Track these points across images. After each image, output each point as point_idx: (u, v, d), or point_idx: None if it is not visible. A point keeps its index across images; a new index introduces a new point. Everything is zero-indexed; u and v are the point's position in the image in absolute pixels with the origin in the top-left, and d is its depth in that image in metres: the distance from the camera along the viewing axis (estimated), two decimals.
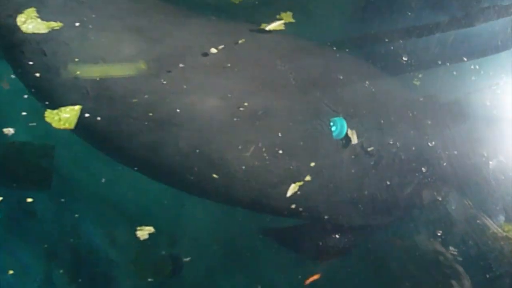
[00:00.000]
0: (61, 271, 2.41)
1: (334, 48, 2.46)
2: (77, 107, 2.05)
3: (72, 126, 2.03)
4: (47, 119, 2.04)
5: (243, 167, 2.09)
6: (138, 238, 2.39)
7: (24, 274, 2.28)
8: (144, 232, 2.27)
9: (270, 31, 2.42)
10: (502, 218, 2.48)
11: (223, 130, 2.09)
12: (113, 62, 2.13)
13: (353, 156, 2.20)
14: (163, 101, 2.08)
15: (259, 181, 2.13)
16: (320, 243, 2.40)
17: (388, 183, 2.28)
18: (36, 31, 2.17)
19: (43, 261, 2.39)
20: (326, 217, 2.38)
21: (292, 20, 2.54)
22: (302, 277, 2.40)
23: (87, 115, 2.06)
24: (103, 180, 2.37)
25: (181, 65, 2.14)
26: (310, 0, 2.86)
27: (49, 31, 2.13)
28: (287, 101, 2.16)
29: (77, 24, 2.17)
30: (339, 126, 2.17)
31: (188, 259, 2.43)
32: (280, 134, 2.10)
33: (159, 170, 2.22)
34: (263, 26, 2.45)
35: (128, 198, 2.54)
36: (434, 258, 2.46)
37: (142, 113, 2.08)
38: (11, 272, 2.23)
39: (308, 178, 2.12)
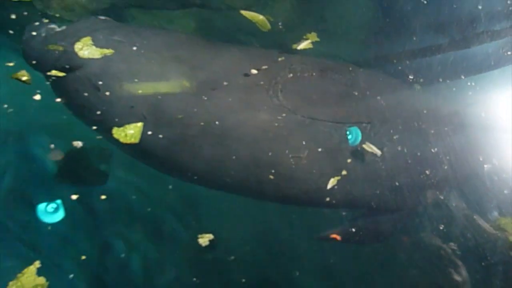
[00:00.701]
0: (115, 257, 2.60)
1: (350, 69, 2.58)
2: (140, 124, 2.20)
3: (137, 140, 2.18)
4: (115, 136, 2.19)
5: (298, 169, 2.25)
6: (193, 240, 2.57)
7: (88, 260, 2.48)
8: (205, 239, 2.38)
9: (298, 53, 2.61)
10: (496, 213, 2.61)
11: (278, 140, 2.24)
12: (163, 90, 2.26)
13: (366, 160, 2.35)
14: (218, 120, 2.22)
15: (309, 179, 2.29)
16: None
17: (397, 183, 2.41)
18: (91, 56, 2.32)
19: (100, 249, 2.58)
20: (344, 213, 2.58)
21: (317, 39, 2.73)
22: (334, 261, 2.58)
23: (149, 132, 2.19)
24: (170, 187, 2.52)
25: (226, 87, 2.29)
26: (329, 23, 3.02)
27: (101, 68, 2.24)
28: (323, 111, 2.34)
29: (123, 59, 2.30)
30: (354, 135, 2.34)
31: (232, 257, 2.56)
32: (322, 138, 2.28)
33: (221, 181, 2.32)
34: (294, 46, 2.66)
35: (170, 197, 2.73)
36: (437, 251, 2.56)
37: (200, 132, 2.21)
38: (83, 257, 2.45)
39: (344, 172, 2.30)
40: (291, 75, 2.40)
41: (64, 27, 2.45)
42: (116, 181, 2.64)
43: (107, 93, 2.23)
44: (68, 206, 2.44)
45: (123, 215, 2.64)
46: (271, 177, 2.25)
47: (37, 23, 2.47)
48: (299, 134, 2.28)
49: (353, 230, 2.52)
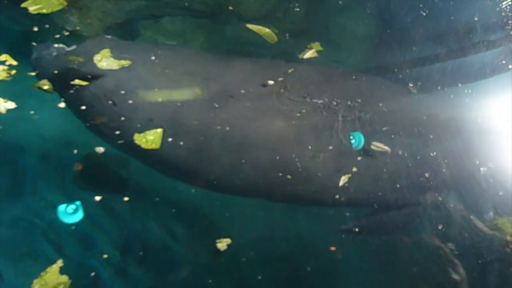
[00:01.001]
0: (133, 257, 2.69)
1: (354, 77, 2.67)
2: (159, 130, 2.27)
3: (158, 145, 2.25)
4: (136, 141, 2.26)
5: (313, 171, 2.34)
6: (193, 233, 2.69)
7: (109, 259, 2.57)
8: (223, 244, 2.44)
9: (304, 62, 2.69)
10: (491, 214, 2.66)
11: (294, 145, 2.32)
12: (180, 102, 2.31)
13: (369, 163, 2.43)
14: (235, 128, 2.29)
15: (324, 179, 2.38)
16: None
17: (398, 185, 2.49)
18: (109, 68, 2.38)
19: (119, 249, 2.67)
20: (347, 214, 2.69)
21: (321, 48, 2.81)
22: (340, 259, 2.64)
23: (170, 143, 2.25)
24: (193, 190, 2.56)
25: (240, 97, 2.36)
26: (334, 34, 3.10)
27: (116, 84, 2.29)
28: (332, 116, 2.43)
29: (136, 75, 2.34)
30: (357, 139, 2.43)
31: (244, 258, 2.63)
32: (332, 142, 2.38)
33: (240, 188, 2.39)
34: (300, 56, 2.75)
35: (184, 199, 2.82)
36: (436, 251, 2.61)
37: (219, 140, 2.28)
38: (105, 256, 2.56)
39: (354, 169, 2.40)
40: (300, 83, 2.47)
41: (74, 47, 2.52)
42: (135, 184, 2.73)
43: (125, 108, 2.28)
44: (90, 207, 2.56)
45: (141, 216, 2.73)
46: (289, 178, 2.33)
47: (45, 43, 2.56)
48: (312, 138, 2.37)
49: (356, 230, 2.60)
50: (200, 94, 2.36)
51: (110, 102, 2.29)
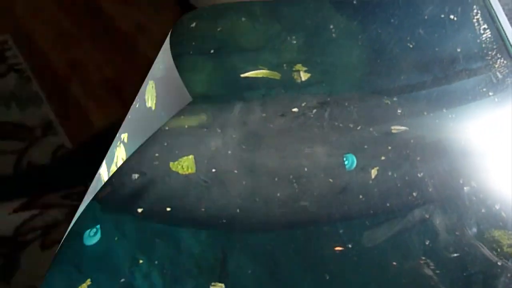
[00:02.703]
0: (142, 271, 2.81)
1: (346, 103, 2.79)
2: (191, 156, 2.31)
3: (193, 170, 2.28)
4: (173, 168, 2.29)
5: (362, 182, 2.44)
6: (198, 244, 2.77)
7: (120, 273, 2.71)
8: None
9: (305, 93, 2.73)
10: (475, 229, 2.61)
11: (340, 163, 2.43)
12: (211, 155, 2.28)
13: (361, 184, 2.50)
14: (278, 164, 2.36)
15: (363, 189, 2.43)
16: None
17: (388, 204, 2.62)
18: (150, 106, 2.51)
19: (127, 264, 2.76)
20: (341, 231, 2.85)
21: (304, 68, 2.93)
22: (335, 273, 2.75)
23: (216, 192, 2.21)
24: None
25: (268, 134, 2.36)
26: (328, 64, 3.13)
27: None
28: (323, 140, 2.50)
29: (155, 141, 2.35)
30: (350, 161, 2.59)
31: (249, 271, 2.70)
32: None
33: (299, 219, 2.30)
34: (297, 80, 2.92)
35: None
36: (424, 264, 2.52)
37: (269, 180, 2.30)
38: (141, 260, 2.61)
39: (383, 157, 2.51)
40: (303, 112, 2.57)
41: None
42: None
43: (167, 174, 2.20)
44: (106, 227, 2.66)
45: (146, 237, 2.80)
46: (344, 196, 2.40)
47: None
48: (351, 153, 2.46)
49: (350, 246, 2.71)
50: (227, 142, 2.39)
51: (140, 172, 2.24)
